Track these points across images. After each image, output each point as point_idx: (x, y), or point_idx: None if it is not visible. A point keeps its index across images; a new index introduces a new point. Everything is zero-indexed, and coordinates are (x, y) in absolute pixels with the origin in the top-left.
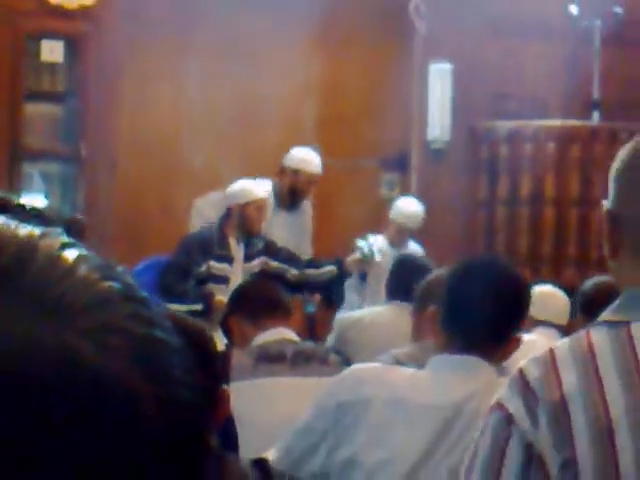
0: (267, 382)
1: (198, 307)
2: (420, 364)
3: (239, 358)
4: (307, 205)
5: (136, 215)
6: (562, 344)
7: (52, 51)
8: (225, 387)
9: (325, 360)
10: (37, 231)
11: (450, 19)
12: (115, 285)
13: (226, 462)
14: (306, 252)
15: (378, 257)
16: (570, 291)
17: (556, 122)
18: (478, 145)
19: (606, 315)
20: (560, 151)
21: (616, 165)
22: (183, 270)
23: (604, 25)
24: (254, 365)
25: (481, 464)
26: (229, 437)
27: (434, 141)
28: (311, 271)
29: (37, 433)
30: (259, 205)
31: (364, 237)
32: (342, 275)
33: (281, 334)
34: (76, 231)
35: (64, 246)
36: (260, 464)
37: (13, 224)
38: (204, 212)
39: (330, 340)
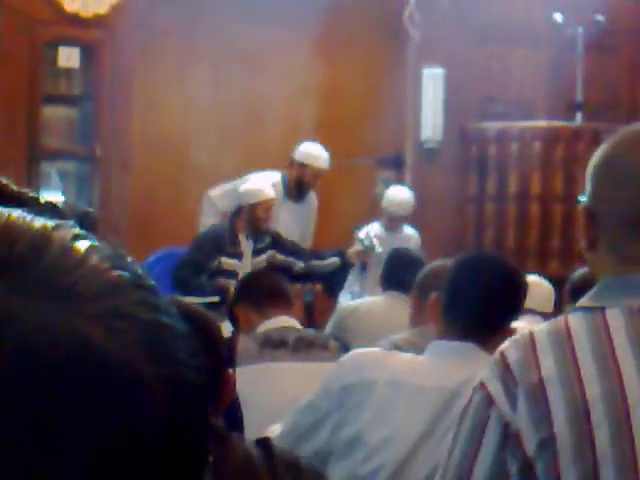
0: (270, 366)
1: (215, 299)
2: (418, 349)
3: (244, 344)
4: (313, 196)
5: (147, 210)
6: (541, 328)
7: (69, 57)
8: (230, 371)
9: (325, 346)
10: (51, 223)
11: (442, 27)
12: (124, 274)
13: (231, 442)
14: (308, 240)
15: (379, 248)
16: (555, 282)
17: (541, 123)
18: (468, 145)
19: (583, 301)
20: (545, 150)
21: (593, 163)
22: (198, 265)
23: (586, 32)
24: (258, 350)
25: (461, 444)
26: (234, 418)
27: (427, 141)
28: (316, 262)
29: (50, 412)
30: (268, 205)
31: (360, 228)
32: (345, 266)
33: (284, 322)
34: (88, 224)
35: (76, 237)
36: (263, 443)
37: (29, 216)
38: (215, 201)
39: (328, 327)
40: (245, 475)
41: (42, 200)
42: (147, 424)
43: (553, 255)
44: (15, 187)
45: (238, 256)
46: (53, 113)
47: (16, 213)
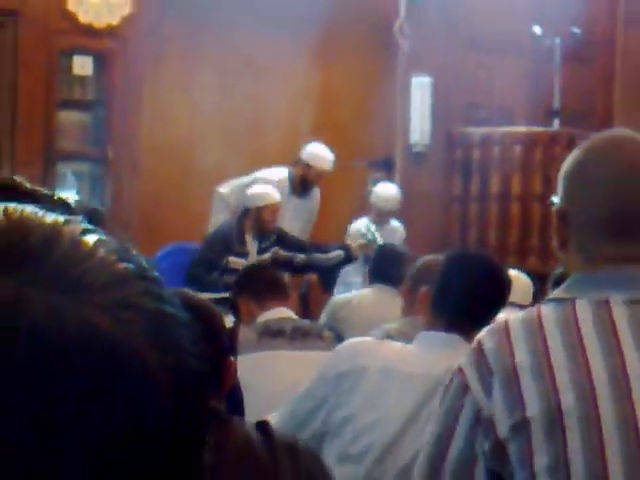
0: (269, 354)
1: (226, 295)
2: (408, 338)
3: (245, 334)
4: (317, 192)
5: (155, 212)
6: (516, 317)
7: (82, 66)
8: (232, 358)
9: (320, 335)
10: (62, 218)
11: (430, 39)
12: (130, 266)
13: (231, 425)
14: (307, 233)
15: (381, 241)
16: (534, 276)
17: (521, 129)
18: (454, 148)
19: (555, 294)
20: (525, 154)
21: (565, 167)
22: (210, 263)
23: (563, 43)
24: (258, 340)
25: (438, 426)
26: (235, 403)
27: (415, 145)
28: (320, 255)
29: (60, 396)
30: (274, 208)
31: (350, 224)
32: (348, 259)
33: (282, 313)
34: (97, 220)
35: (85, 232)
36: (262, 426)
37: (41, 212)
38: (226, 197)
39: (323, 318)
40: (245, 457)
41: (54, 197)
42: (152, 417)
43: (532, 252)
44: (29, 185)
45: (245, 255)
46: (68, 118)
47: (29, 209)
